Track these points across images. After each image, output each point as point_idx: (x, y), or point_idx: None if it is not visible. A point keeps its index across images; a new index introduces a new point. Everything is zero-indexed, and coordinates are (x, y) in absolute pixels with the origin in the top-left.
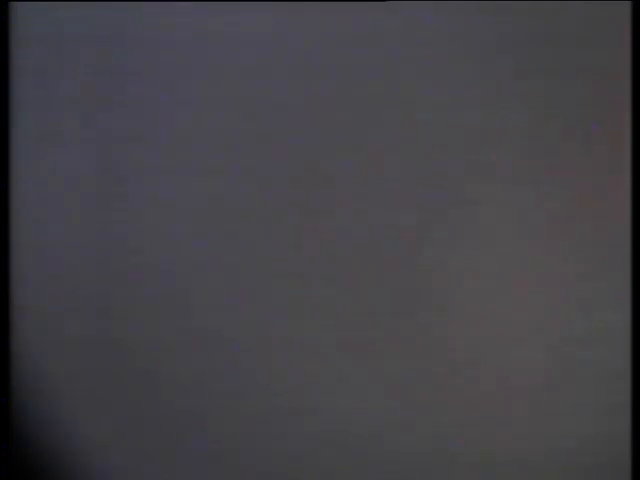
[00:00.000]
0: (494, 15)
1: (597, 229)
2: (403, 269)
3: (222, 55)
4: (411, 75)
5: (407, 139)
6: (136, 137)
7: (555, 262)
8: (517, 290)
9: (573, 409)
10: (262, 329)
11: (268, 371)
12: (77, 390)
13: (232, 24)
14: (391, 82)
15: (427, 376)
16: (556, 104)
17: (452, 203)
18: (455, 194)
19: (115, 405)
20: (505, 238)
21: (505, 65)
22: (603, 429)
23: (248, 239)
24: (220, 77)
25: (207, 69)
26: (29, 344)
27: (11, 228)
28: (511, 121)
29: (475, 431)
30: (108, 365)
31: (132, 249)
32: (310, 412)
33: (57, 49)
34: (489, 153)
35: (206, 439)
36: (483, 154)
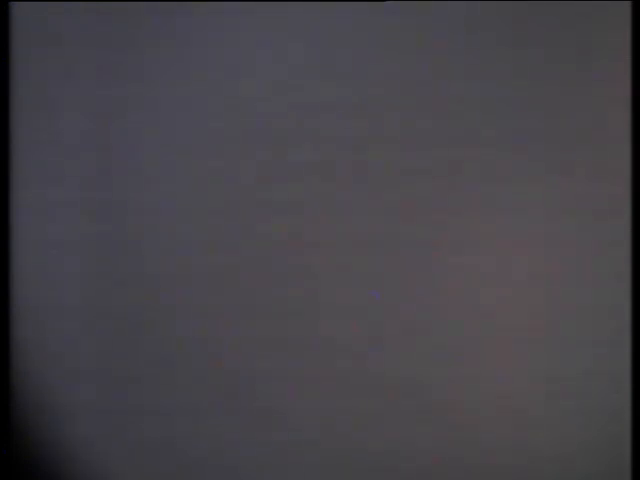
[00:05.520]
0: (494, 15)
1: (597, 230)
2: (400, 269)
3: (222, 58)
4: (412, 77)
5: (407, 139)
6: (136, 141)
7: (555, 265)
8: (518, 293)
9: (574, 410)
10: (261, 330)
11: (268, 374)
12: (77, 394)
13: (231, 27)
14: (392, 81)
15: (428, 377)
16: (556, 104)
17: (451, 207)
18: (454, 199)
19: (115, 409)
20: (505, 242)
21: (505, 66)
22: (603, 431)
23: (250, 246)
24: (220, 79)
25: (206, 72)
26: (29, 350)
27: (11, 231)
28: (511, 122)
29: (476, 433)
30: (108, 368)
31: (131, 253)
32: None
33: (57, 50)
34: (489, 154)
35: (205, 439)
36: (482, 155)
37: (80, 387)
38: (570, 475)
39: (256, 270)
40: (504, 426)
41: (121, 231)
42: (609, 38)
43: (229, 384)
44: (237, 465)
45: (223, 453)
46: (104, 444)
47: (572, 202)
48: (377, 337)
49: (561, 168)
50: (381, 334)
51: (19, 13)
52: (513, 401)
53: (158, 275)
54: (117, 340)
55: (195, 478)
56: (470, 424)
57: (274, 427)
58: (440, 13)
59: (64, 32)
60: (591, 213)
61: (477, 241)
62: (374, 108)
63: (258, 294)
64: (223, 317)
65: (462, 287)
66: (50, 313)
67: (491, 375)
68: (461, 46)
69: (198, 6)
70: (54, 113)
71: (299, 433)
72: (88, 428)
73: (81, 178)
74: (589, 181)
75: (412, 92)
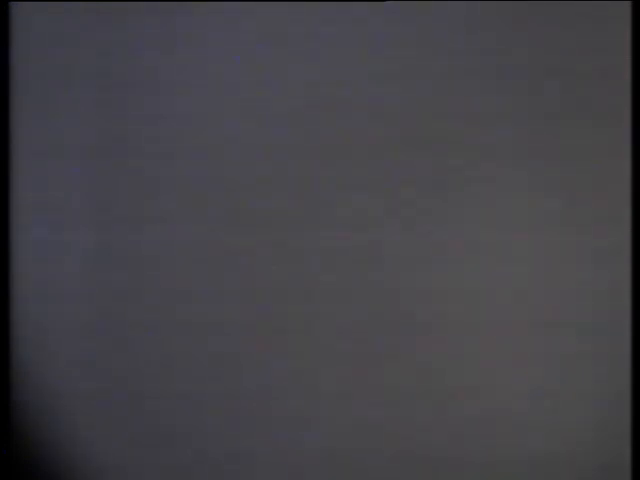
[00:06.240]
0: (494, 15)
1: (597, 231)
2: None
3: (222, 57)
4: (412, 76)
5: (408, 141)
6: (136, 141)
7: (556, 262)
8: (518, 292)
9: (574, 411)
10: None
11: (268, 379)
12: (77, 395)
13: (231, 30)
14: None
15: (427, 375)
16: (556, 102)
17: (452, 212)
18: (454, 201)
19: (115, 409)
20: (505, 241)
21: (505, 65)
22: (604, 431)
23: (250, 263)
24: (220, 79)
25: (207, 70)
26: (29, 350)
27: (11, 232)
28: (511, 120)
29: (475, 432)
30: (108, 368)
31: (132, 261)
32: (312, 422)
33: (57, 50)
34: (488, 160)
35: (206, 438)
36: (482, 153)
37: (80, 387)
38: (569, 474)
39: (256, 268)
40: (503, 425)
41: (121, 232)
42: (609, 38)
43: (229, 385)
44: (237, 463)
45: (223, 452)
46: (104, 444)
47: (572, 204)
48: (378, 332)
49: (561, 168)
50: (380, 331)
51: (19, 13)
52: (513, 404)
53: (158, 275)
54: (117, 340)
55: (196, 477)
56: (468, 424)
57: (275, 426)
58: (440, 15)
59: (64, 32)
60: (591, 213)
61: (477, 244)
62: (375, 108)
63: (259, 296)
64: (225, 317)
65: (463, 287)
66: (50, 312)
67: (490, 383)
68: (461, 46)
69: (198, 6)
70: (54, 112)
71: (302, 430)
72: (88, 428)
73: (81, 178)
74: (589, 183)
75: (412, 92)
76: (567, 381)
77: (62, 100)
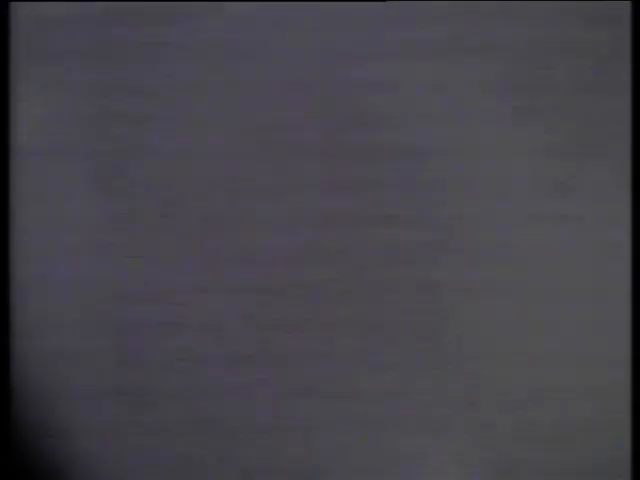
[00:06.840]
0: (494, 12)
1: (598, 231)
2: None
3: (224, 58)
4: (418, 83)
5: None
6: (137, 143)
7: (557, 261)
8: (520, 288)
9: (575, 393)
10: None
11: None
12: (77, 402)
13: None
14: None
15: (432, 362)
16: (555, 99)
17: (459, 216)
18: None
19: (115, 417)
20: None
21: (504, 63)
22: (604, 433)
23: (249, 268)
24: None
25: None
26: (29, 351)
27: (12, 236)
28: (511, 119)
29: (475, 431)
30: (108, 369)
31: (132, 269)
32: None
33: (57, 49)
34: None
35: (209, 446)
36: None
37: (80, 387)
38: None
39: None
40: (504, 416)
41: (122, 236)
42: (609, 38)
43: (234, 395)
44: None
45: (229, 458)
46: (104, 444)
47: (573, 207)
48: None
49: (560, 169)
50: (380, 319)
51: (19, 13)
52: (513, 393)
53: (159, 282)
54: (118, 343)
55: (198, 477)
56: (468, 420)
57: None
58: (441, 18)
59: (64, 31)
60: (592, 212)
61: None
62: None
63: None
64: (229, 328)
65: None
66: (50, 316)
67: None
68: (463, 44)
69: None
70: (54, 112)
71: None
72: (88, 426)
73: (82, 175)
74: (589, 181)
75: (413, 96)
76: (567, 383)
77: (62, 99)
